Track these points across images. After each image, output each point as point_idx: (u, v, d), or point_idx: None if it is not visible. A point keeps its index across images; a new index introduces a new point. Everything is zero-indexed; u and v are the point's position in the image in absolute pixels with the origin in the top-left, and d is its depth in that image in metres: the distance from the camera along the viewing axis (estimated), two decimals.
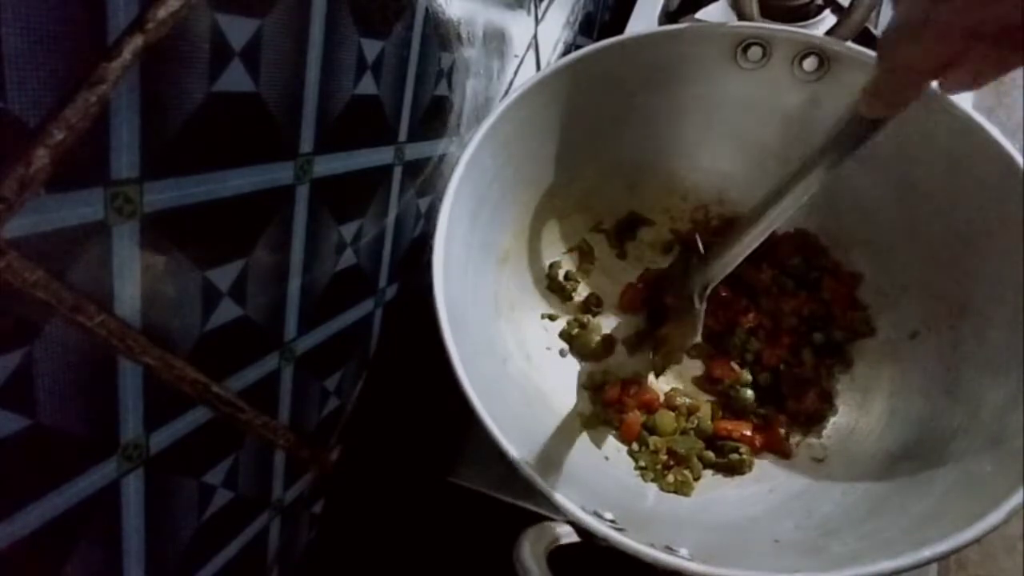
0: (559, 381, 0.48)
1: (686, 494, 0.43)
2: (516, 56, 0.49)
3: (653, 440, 0.45)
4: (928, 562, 0.29)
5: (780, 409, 0.46)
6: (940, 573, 0.44)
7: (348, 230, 0.35)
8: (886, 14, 0.59)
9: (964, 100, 0.39)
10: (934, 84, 0.40)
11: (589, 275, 0.52)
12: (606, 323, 0.51)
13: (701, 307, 0.42)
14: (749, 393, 0.46)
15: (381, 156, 0.36)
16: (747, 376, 0.47)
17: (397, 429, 0.47)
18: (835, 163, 0.35)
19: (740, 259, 0.41)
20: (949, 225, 0.42)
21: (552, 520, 0.32)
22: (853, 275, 0.48)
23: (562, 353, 0.50)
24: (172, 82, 0.22)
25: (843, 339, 0.47)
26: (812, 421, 0.45)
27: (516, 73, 0.50)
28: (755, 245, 0.40)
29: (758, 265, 0.49)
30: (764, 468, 0.44)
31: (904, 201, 0.44)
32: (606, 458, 0.45)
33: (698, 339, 0.43)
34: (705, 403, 0.47)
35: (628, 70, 0.46)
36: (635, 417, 0.46)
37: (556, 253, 0.52)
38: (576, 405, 0.47)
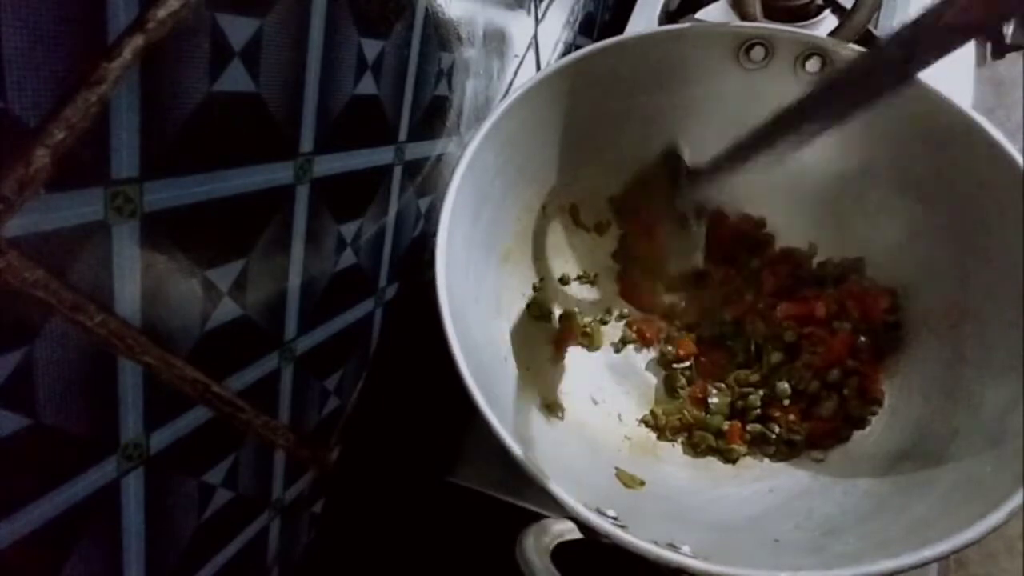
0: (561, 379, 0.48)
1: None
2: (516, 56, 0.49)
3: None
4: (928, 562, 0.29)
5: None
6: (940, 573, 0.44)
7: (348, 230, 0.35)
8: (887, 16, 0.59)
9: (964, 100, 0.39)
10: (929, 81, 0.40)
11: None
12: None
13: (700, 228, 0.41)
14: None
15: (381, 156, 0.36)
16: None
17: (397, 429, 0.47)
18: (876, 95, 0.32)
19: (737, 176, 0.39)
20: (949, 225, 0.42)
21: (554, 517, 0.32)
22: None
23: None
24: (172, 82, 0.22)
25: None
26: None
27: (516, 73, 0.50)
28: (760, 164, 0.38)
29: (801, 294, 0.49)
30: (765, 468, 0.44)
31: (904, 202, 0.44)
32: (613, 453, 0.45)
33: (699, 264, 0.42)
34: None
35: (629, 70, 0.46)
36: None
37: (558, 252, 0.52)
38: (579, 404, 0.47)
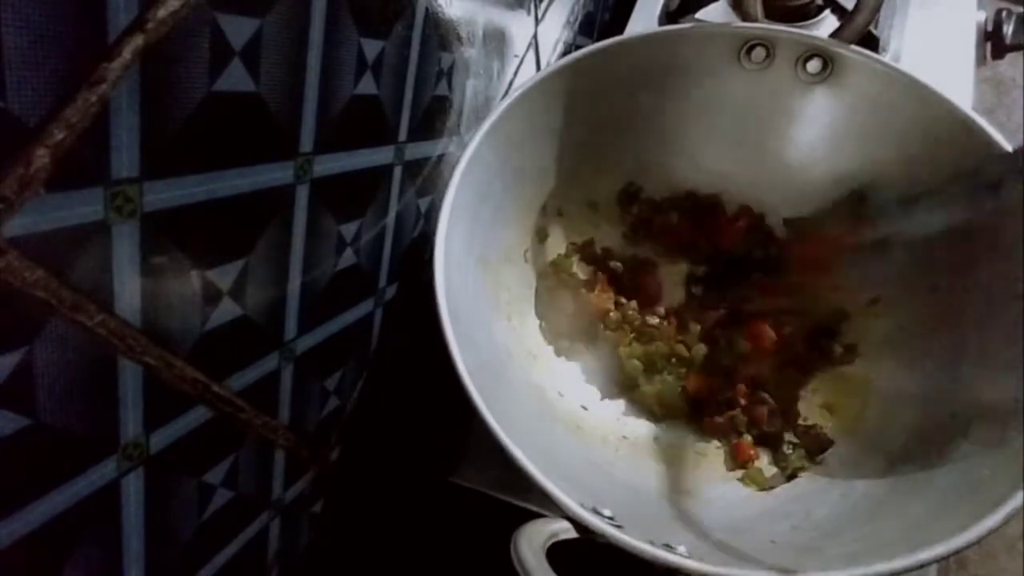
0: (559, 379, 0.48)
1: None
2: (516, 56, 0.49)
3: None
4: (926, 563, 0.29)
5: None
6: (940, 573, 0.44)
7: (348, 230, 0.35)
8: (887, 17, 0.59)
9: (964, 100, 0.39)
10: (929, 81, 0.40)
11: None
12: None
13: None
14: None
15: (381, 156, 0.36)
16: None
17: (397, 429, 0.47)
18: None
19: None
20: (949, 225, 0.42)
21: (550, 516, 0.32)
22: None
23: (558, 352, 0.50)
24: (172, 82, 0.22)
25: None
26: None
27: (516, 73, 0.50)
28: None
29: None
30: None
31: (903, 203, 0.44)
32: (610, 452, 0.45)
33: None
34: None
35: (629, 70, 0.46)
36: None
37: (558, 252, 0.52)
38: (576, 403, 0.47)
